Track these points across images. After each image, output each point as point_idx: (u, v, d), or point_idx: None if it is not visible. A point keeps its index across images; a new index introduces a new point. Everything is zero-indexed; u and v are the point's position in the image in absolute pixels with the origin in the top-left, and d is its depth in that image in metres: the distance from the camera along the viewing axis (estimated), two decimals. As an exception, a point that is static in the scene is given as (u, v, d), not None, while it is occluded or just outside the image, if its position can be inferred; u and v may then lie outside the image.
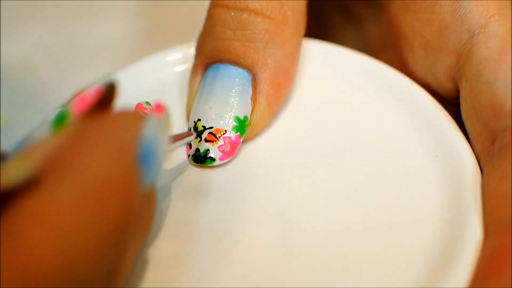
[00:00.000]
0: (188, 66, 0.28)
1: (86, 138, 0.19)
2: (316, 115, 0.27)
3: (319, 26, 0.34)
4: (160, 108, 0.23)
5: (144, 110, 0.25)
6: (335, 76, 0.28)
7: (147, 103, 0.25)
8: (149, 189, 0.21)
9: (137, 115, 0.21)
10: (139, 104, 0.25)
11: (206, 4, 0.27)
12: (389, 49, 0.30)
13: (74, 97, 0.20)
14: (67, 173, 0.18)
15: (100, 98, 0.20)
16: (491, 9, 0.26)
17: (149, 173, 0.21)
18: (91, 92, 0.20)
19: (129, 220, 0.19)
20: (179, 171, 0.26)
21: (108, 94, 0.20)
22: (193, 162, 0.26)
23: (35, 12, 0.46)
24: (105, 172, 0.19)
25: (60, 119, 0.20)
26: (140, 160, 0.20)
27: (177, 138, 0.24)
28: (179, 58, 0.29)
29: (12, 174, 0.18)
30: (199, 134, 0.26)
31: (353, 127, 0.27)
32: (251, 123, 0.26)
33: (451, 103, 0.27)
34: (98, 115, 0.20)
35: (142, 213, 0.20)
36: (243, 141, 0.26)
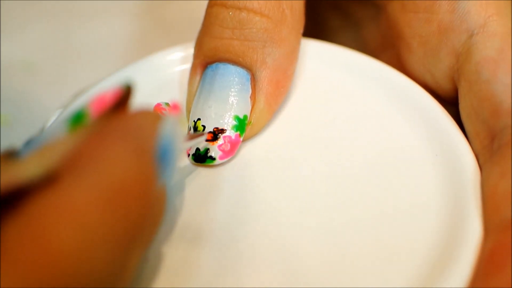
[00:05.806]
0: (187, 65, 0.28)
1: (106, 137, 0.19)
2: (315, 113, 0.27)
3: (318, 27, 0.34)
4: (176, 107, 0.23)
5: (163, 111, 0.25)
6: (334, 75, 0.28)
7: (166, 104, 0.25)
8: (161, 188, 0.21)
9: (155, 114, 0.21)
10: (158, 104, 0.25)
11: (205, 4, 0.27)
12: (388, 49, 0.30)
13: (92, 98, 0.20)
14: (87, 171, 0.18)
15: (118, 99, 0.20)
16: (490, 9, 0.26)
17: (166, 172, 0.21)
18: (109, 93, 0.20)
19: (144, 218, 0.19)
20: (181, 172, 0.26)
21: (125, 95, 0.20)
22: (193, 161, 0.26)
23: (35, 12, 0.46)
24: (124, 170, 0.19)
25: (77, 119, 0.20)
26: (158, 159, 0.20)
27: (191, 137, 0.25)
28: (179, 58, 0.29)
29: (30, 170, 0.18)
30: (214, 135, 0.26)
31: (352, 126, 0.27)
32: (250, 122, 0.26)
33: (450, 102, 0.27)
34: (116, 115, 0.20)
35: (153, 212, 0.21)
36: (243, 140, 0.26)
